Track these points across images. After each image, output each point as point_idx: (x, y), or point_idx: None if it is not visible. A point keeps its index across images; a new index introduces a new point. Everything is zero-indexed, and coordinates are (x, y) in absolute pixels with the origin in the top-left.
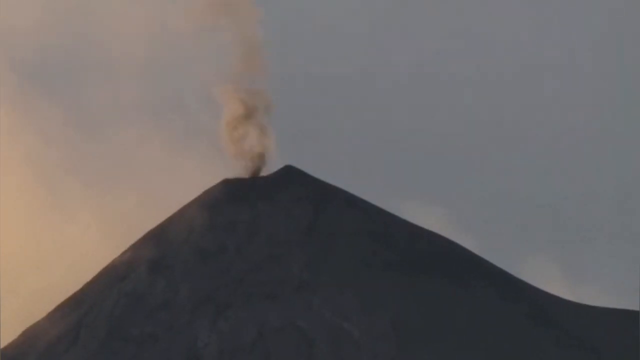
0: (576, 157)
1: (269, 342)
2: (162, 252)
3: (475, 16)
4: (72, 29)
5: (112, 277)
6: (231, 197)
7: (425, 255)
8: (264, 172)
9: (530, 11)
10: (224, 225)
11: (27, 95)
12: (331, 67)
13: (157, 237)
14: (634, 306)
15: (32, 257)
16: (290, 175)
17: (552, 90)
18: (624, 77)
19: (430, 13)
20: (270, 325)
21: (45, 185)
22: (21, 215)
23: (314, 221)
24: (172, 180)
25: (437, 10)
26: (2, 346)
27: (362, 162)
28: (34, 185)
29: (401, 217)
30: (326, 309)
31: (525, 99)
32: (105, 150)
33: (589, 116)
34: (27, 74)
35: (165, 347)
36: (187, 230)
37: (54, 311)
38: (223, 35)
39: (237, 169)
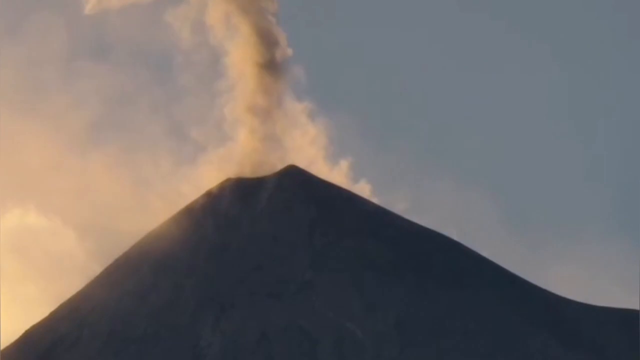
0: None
1: (272, 342)
2: (165, 251)
3: None
4: None
5: (115, 277)
6: (234, 197)
7: (428, 255)
8: (267, 172)
9: None
10: (226, 225)
11: None
12: None
13: (160, 236)
14: (634, 306)
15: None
16: (292, 174)
17: None
18: None
19: None
20: (273, 325)
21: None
22: None
23: (316, 221)
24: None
25: None
26: (2, 346)
27: None
28: None
29: (405, 217)
30: (329, 309)
31: None
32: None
33: None
34: None
35: (168, 347)
36: (190, 230)
37: (56, 310)
38: None
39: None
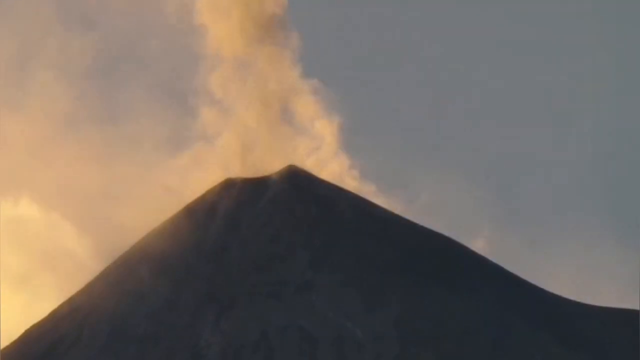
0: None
1: (272, 342)
2: (165, 251)
3: None
4: None
5: (115, 277)
6: (234, 197)
7: (428, 255)
8: (267, 172)
9: None
10: (226, 225)
11: None
12: None
13: (160, 236)
14: (634, 306)
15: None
16: (293, 174)
17: None
18: None
19: None
20: (273, 325)
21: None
22: None
23: (316, 221)
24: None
25: None
26: (2, 346)
27: None
28: None
29: (405, 217)
30: (329, 309)
31: None
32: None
33: None
34: None
35: (168, 347)
36: (190, 230)
37: (56, 310)
38: None
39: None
